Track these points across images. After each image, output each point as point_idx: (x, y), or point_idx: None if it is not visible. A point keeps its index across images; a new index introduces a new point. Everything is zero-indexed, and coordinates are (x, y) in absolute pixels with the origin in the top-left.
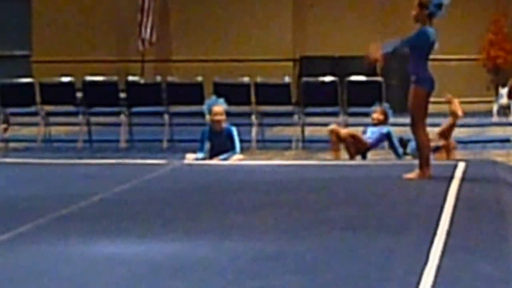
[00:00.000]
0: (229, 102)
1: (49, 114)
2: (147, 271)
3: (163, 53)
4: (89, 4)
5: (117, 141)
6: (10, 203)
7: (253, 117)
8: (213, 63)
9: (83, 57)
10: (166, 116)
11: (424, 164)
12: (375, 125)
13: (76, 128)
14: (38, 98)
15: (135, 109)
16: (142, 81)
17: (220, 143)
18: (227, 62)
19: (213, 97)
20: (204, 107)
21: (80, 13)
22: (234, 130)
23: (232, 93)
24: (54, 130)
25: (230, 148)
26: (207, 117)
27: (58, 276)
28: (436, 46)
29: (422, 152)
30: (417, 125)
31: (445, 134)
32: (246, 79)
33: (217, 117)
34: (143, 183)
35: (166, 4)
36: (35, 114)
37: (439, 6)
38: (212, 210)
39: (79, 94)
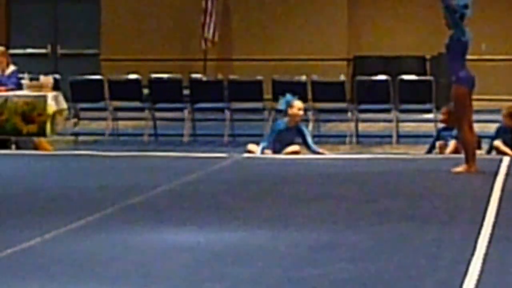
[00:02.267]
0: None
1: (117, 109)
2: (210, 258)
3: (224, 52)
4: (155, 5)
5: (181, 135)
6: (80, 193)
7: (310, 113)
8: (271, 62)
9: (149, 55)
10: (227, 112)
11: (470, 159)
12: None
13: (142, 122)
14: (106, 94)
15: (198, 105)
16: (204, 79)
17: (288, 138)
18: (285, 61)
19: (288, 95)
20: (282, 103)
21: (146, 14)
22: (306, 128)
23: (290, 90)
24: (121, 124)
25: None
26: (289, 110)
27: (125, 263)
28: (484, 47)
29: (468, 148)
30: (462, 122)
31: None
32: (303, 77)
33: (300, 112)
34: (205, 175)
35: (228, 5)
36: (103, 109)
37: (466, 6)
38: (270, 201)
39: (145, 91)
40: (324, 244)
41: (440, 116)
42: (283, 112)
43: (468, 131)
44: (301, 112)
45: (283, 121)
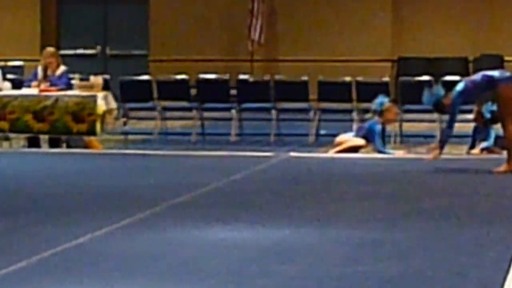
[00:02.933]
0: (331, 99)
1: (165, 109)
2: (257, 255)
3: (271, 53)
4: (203, 7)
5: (228, 134)
6: (129, 191)
7: (354, 113)
8: (317, 62)
9: (196, 56)
10: (273, 112)
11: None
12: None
13: (190, 122)
14: (155, 94)
15: (244, 105)
16: (251, 79)
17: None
18: (330, 62)
19: (381, 96)
20: (376, 103)
21: (194, 15)
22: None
23: (335, 91)
24: (169, 124)
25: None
26: (386, 114)
27: (174, 259)
28: None
29: (510, 147)
30: (506, 121)
31: None
32: (348, 78)
33: (397, 117)
34: (252, 174)
35: (274, 7)
36: (152, 109)
37: None
38: (316, 199)
39: (193, 91)
40: (369, 242)
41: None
42: (376, 113)
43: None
44: (397, 118)
45: (376, 122)
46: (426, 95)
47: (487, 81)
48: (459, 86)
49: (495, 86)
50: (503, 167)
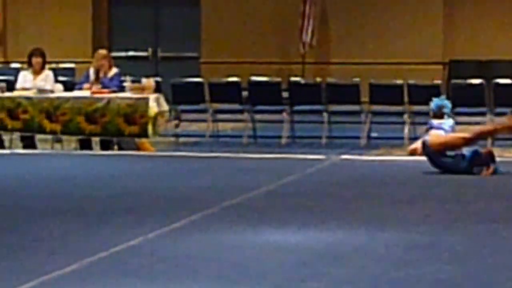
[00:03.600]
0: (383, 102)
1: (217, 111)
2: (309, 258)
3: (322, 55)
4: (254, 10)
5: (279, 137)
6: (182, 193)
7: (406, 116)
8: (368, 65)
9: (248, 58)
10: (325, 114)
11: None
12: None
13: (241, 124)
14: (206, 96)
15: (296, 108)
16: (303, 82)
17: None
18: (381, 64)
19: (437, 99)
20: (435, 104)
21: (245, 18)
22: None
23: (386, 93)
24: (221, 126)
25: None
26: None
27: (226, 262)
28: None
29: None
30: None
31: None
32: (399, 81)
33: None
34: (303, 177)
35: (326, 9)
36: (203, 111)
37: None
38: (368, 202)
39: (244, 93)
40: (421, 245)
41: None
42: (434, 114)
43: None
44: None
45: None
46: None
47: None
48: None
49: None
50: None
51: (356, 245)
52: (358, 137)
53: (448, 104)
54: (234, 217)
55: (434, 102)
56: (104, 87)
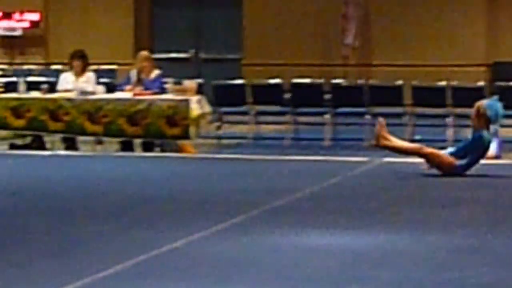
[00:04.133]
0: (426, 104)
1: (259, 113)
2: (352, 261)
3: (365, 57)
4: (297, 11)
5: (322, 139)
6: (224, 195)
7: (449, 118)
8: (411, 67)
9: (290, 60)
10: (367, 117)
11: None
12: None
13: (283, 126)
14: (248, 98)
15: (338, 110)
16: (345, 84)
17: None
18: (424, 66)
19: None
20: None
21: (287, 19)
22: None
23: (429, 96)
24: (263, 128)
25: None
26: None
27: (269, 265)
28: None
29: None
30: None
31: None
32: (442, 83)
33: None
34: (346, 179)
35: (368, 11)
36: (245, 113)
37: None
38: (411, 204)
39: (286, 95)
40: (464, 248)
41: None
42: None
43: None
44: None
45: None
46: None
47: None
48: None
49: None
50: None
51: (400, 248)
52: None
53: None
54: (277, 219)
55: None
56: (146, 88)
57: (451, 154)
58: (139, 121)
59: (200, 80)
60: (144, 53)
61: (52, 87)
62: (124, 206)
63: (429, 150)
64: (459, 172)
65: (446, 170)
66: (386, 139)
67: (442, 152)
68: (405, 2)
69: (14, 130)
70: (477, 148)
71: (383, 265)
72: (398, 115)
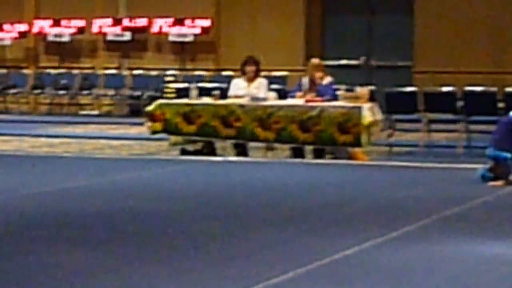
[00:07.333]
0: None
1: (431, 121)
2: None
3: None
4: (469, 18)
5: None
6: (396, 203)
7: None
8: None
9: (462, 68)
10: None
11: None
12: None
13: (456, 134)
14: (420, 106)
15: None
16: None
17: None
18: None
19: None
20: None
21: (459, 26)
22: None
23: None
24: (435, 136)
25: None
26: None
27: (442, 274)
28: None
29: None
30: None
31: None
32: None
33: None
34: None
35: None
36: (417, 121)
37: None
38: None
39: (459, 103)
40: None
41: None
42: None
43: None
44: None
45: None
46: None
47: None
48: None
49: None
50: None
51: None
52: None
53: None
54: (450, 228)
55: None
56: (319, 95)
57: None
58: (310, 127)
59: (372, 87)
60: (315, 60)
61: (223, 93)
62: (295, 213)
63: None
64: None
65: None
66: None
67: None
68: None
69: (186, 135)
70: None
71: None
72: None
